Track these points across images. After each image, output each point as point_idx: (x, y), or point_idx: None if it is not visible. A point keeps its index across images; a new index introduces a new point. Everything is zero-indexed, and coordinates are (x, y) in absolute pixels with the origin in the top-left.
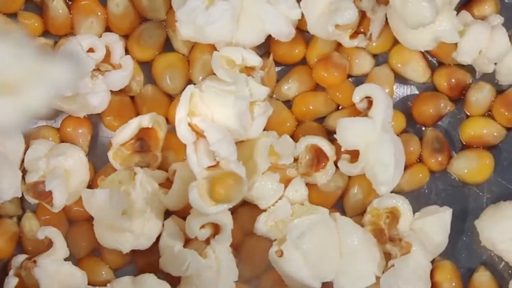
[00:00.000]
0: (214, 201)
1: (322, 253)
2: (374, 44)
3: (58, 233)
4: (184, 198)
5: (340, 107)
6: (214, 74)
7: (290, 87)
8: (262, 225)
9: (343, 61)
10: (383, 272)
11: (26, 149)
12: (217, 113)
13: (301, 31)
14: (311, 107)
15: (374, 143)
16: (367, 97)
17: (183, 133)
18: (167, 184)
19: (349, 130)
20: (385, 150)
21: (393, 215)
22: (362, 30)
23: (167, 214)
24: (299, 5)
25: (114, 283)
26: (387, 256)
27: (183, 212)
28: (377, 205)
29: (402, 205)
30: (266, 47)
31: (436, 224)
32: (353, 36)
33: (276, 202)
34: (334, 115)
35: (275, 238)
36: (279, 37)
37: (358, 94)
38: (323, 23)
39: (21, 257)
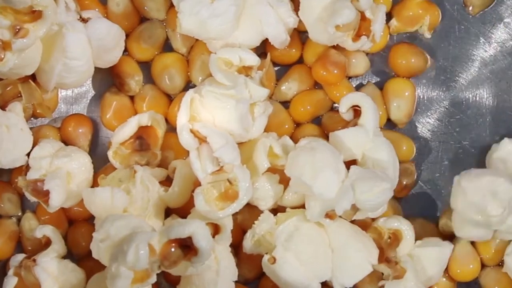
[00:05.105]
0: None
1: (314, 251)
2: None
3: (55, 230)
4: (185, 196)
5: (335, 106)
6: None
7: (290, 87)
8: (250, 241)
9: (342, 59)
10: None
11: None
12: (218, 117)
13: (297, 31)
14: (308, 107)
15: (370, 150)
16: (352, 106)
17: (186, 140)
18: (167, 182)
19: (344, 142)
20: (382, 153)
21: (395, 237)
22: (363, 32)
23: (168, 213)
24: (297, 14)
25: None
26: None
27: (183, 211)
28: (382, 224)
29: (407, 230)
30: (262, 48)
31: (434, 256)
32: (355, 39)
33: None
34: (328, 115)
35: (266, 252)
36: (274, 42)
37: (345, 104)
38: (323, 28)
39: (19, 256)
